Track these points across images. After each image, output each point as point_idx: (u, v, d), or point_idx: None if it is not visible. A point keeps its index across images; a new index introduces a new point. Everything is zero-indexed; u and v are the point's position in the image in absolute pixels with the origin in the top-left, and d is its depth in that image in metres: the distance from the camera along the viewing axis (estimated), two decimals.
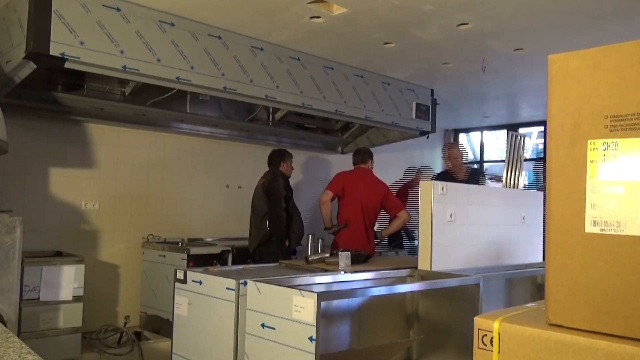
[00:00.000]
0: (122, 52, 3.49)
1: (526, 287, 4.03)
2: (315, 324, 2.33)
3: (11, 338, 1.19)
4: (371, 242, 4.67)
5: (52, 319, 3.75)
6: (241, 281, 2.76)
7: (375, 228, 4.79)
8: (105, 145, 4.81)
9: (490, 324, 1.13)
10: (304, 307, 2.38)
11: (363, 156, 4.83)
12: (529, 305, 1.29)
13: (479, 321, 1.16)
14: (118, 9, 3.50)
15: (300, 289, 2.47)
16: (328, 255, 3.65)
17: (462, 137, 8.52)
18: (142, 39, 3.59)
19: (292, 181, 6.21)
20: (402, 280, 3.43)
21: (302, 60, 4.53)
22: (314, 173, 6.40)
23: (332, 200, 4.64)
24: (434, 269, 3.39)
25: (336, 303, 3.13)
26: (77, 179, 4.64)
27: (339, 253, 3.29)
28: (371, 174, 4.79)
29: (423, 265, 3.41)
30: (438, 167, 8.23)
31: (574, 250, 1.07)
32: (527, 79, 5.31)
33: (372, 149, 6.43)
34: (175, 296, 3.16)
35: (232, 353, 2.74)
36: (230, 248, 4.67)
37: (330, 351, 2.98)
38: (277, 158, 4.90)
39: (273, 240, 4.56)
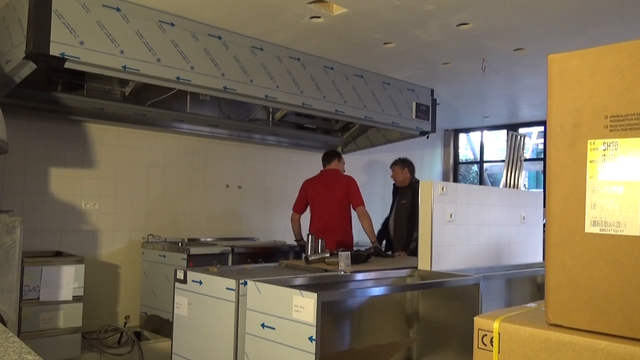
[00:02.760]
0: (122, 52, 3.49)
1: (526, 287, 4.03)
2: (315, 324, 2.33)
3: (11, 338, 1.19)
4: (345, 229, 4.85)
5: (52, 319, 3.75)
6: (241, 281, 2.76)
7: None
8: (105, 145, 4.81)
9: (490, 324, 1.13)
10: (304, 307, 2.38)
11: (329, 157, 4.99)
12: (529, 305, 1.29)
13: (479, 321, 1.16)
14: (118, 9, 3.50)
15: (300, 289, 2.47)
16: (328, 255, 3.65)
17: (462, 137, 8.52)
18: (142, 39, 3.59)
19: (293, 181, 6.23)
20: (402, 280, 3.43)
21: (302, 60, 4.53)
22: (314, 173, 6.38)
23: (302, 212, 4.98)
24: (434, 269, 3.39)
25: (336, 303, 3.13)
26: (77, 179, 4.64)
27: (339, 253, 3.29)
28: (334, 172, 4.92)
29: (423, 265, 3.42)
30: (438, 168, 8.23)
31: (574, 250, 1.07)
32: (527, 79, 5.31)
33: (372, 149, 6.46)
34: (175, 296, 3.16)
35: (232, 353, 2.74)
36: (230, 248, 4.67)
37: (330, 351, 2.98)
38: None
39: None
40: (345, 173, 5.01)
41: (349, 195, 4.80)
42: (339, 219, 4.80)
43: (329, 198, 4.82)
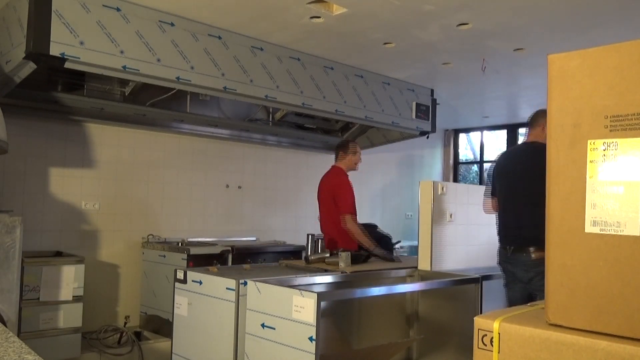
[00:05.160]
0: (122, 52, 3.49)
1: None
2: (315, 324, 2.33)
3: (11, 338, 1.19)
4: (341, 233, 4.08)
5: (52, 319, 3.75)
6: (241, 281, 2.76)
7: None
8: (105, 145, 4.81)
9: (490, 324, 1.13)
10: (304, 307, 2.38)
11: (336, 150, 4.43)
12: (529, 305, 1.29)
13: (479, 321, 1.16)
14: (118, 9, 3.50)
15: (300, 289, 2.47)
16: (328, 255, 3.65)
17: (462, 137, 8.52)
18: (142, 39, 3.59)
19: (293, 181, 6.22)
20: (402, 280, 3.44)
21: (302, 60, 4.53)
22: (314, 173, 6.39)
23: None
24: (434, 269, 3.39)
25: (336, 303, 3.13)
26: (77, 179, 4.64)
27: (339, 253, 3.29)
28: (333, 169, 4.34)
29: (423, 265, 3.42)
30: (438, 168, 8.23)
31: (574, 250, 1.07)
32: (527, 79, 5.31)
33: (372, 149, 6.46)
34: (175, 296, 3.16)
35: (232, 353, 2.75)
36: (230, 248, 4.67)
37: (330, 351, 2.98)
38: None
39: None
40: (359, 165, 4.41)
41: (335, 200, 4.11)
42: (337, 232, 4.12)
43: (323, 205, 4.34)
